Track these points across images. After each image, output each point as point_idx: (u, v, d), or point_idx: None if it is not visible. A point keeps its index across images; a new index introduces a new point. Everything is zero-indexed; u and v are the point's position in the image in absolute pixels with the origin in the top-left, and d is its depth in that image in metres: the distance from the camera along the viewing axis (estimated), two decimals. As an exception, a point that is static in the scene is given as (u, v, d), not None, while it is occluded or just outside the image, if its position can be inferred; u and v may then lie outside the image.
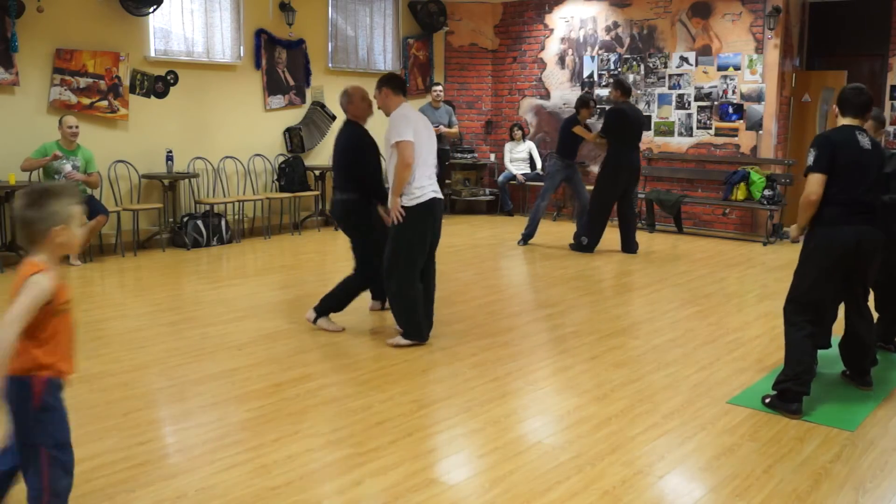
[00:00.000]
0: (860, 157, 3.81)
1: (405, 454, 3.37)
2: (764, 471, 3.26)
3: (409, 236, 4.71)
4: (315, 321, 5.21)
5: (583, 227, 8.52)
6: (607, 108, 8.34)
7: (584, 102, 8.51)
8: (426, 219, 4.74)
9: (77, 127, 7.22)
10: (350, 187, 5.15)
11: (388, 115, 4.83)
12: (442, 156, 10.03)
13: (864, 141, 3.86)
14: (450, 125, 10.05)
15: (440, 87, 10.03)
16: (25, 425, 2.44)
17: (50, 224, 2.42)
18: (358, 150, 5.12)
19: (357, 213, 5.17)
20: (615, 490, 3.08)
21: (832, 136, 3.87)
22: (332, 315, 5.25)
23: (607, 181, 8.16)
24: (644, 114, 10.18)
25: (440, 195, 4.81)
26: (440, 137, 9.93)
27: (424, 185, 4.70)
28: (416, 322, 4.86)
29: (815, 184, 3.79)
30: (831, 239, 3.83)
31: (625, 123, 8.04)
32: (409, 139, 4.57)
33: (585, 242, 8.23)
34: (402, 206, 4.65)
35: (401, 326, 4.90)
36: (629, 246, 8.26)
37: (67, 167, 7.18)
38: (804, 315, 3.94)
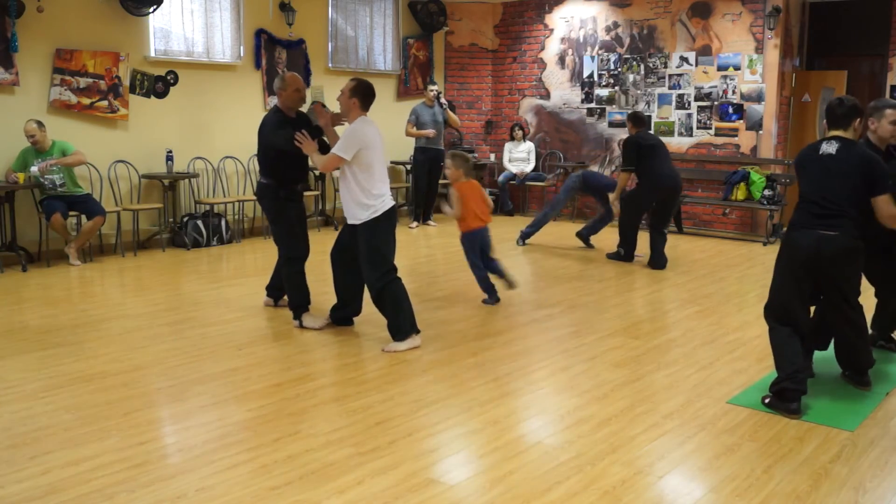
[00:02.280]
0: (820, 162, 3.93)
1: (405, 454, 3.38)
2: (764, 471, 3.26)
3: (380, 243, 4.88)
4: (301, 325, 5.33)
5: (590, 228, 8.57)
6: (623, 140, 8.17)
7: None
8: (390, 223, 4.95)
9: (33, 135, 7.10)
10: (265, 172, 5.39)
11: (344, 115, 5.05)
12: (437, 157, 10.06)
13: (829, 147, 3.93)
14: (445, 120, 10.00)
15: (436, 88, 10.02)
16: None
17: None
18: (269, 137, 5.22)
19: (267, 197, 5.41)
20: (615, 490, 3.08)
21: (796, 162, 4.14)
22: (311, 310, 5.42)
23: (638, 196, 7.72)
24: (644, 114, 10.15)
25: (394, 201, 5.03)
26: (436, 137, 9.94)
27: (383, 195, 4.91)
28: (406, 317, 4.88)
29: None
30: (792, 241, 3.98)
31: (641, 147, 7.62)
32: (345, 157, 4.79)
33: (623, 253, 7.83)
34: (368, 219, 4.85)
35: (395, 327, 4.90)
36: (657, 261, 7.58)
37: (34, 169, 7.14)
38: (778, 317, 4.02)
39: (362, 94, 4.91)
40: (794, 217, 4.01)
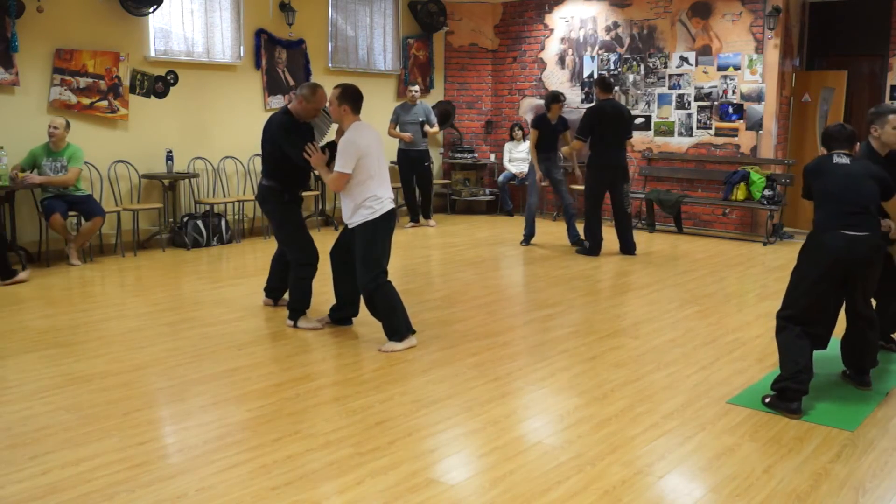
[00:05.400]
0: (840, 168, 4.01)
1: (405, 454, 3.38)
2: (764, 471, 3.26)
3: (376, 245, 4.87)
4: (295, 325, 5.33)
5: (571, 226, 8.60)
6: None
7: (555, 98, 8.48)
8: (388, 226, 4.94)
9: (57, 128, 7.12)
10: (269, 174, 5.35)
11: (338, 123, 5.01)
12: (421, 157, 10.04)
13: (842, 159, 4.05)
14: (429, 124, 9.96)
15: (416, 88, 9.95)
16: None
17: None
18: (280, 141, 5.18)
19: (270, 201, 5.38)
20: (615, 490, 3.08)
21: (808, 167, 4.20)
22: (308, 312, 5.41)
23: (589, 181, 8.14)
24: (643, 114, 10.18)
25: (394, 204, 5.01)
26: (416, 140, 9.89)
27: (382, 197, 4.89)
28: (400, 318, 4.88)
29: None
30: (821, 245, 3.96)
31: (602, 121, 7.90)
32: (348, 172, 4.78)
33: (588, 245, 8.13)
34: (366, 220, 4.83)
35: (390, 328, 4.90)
36: (626, 247, 8.17)
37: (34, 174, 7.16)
38: (795, 318, 4.01)
39: (351, 99, 4.88)
40: (819, 220, 4.01)
